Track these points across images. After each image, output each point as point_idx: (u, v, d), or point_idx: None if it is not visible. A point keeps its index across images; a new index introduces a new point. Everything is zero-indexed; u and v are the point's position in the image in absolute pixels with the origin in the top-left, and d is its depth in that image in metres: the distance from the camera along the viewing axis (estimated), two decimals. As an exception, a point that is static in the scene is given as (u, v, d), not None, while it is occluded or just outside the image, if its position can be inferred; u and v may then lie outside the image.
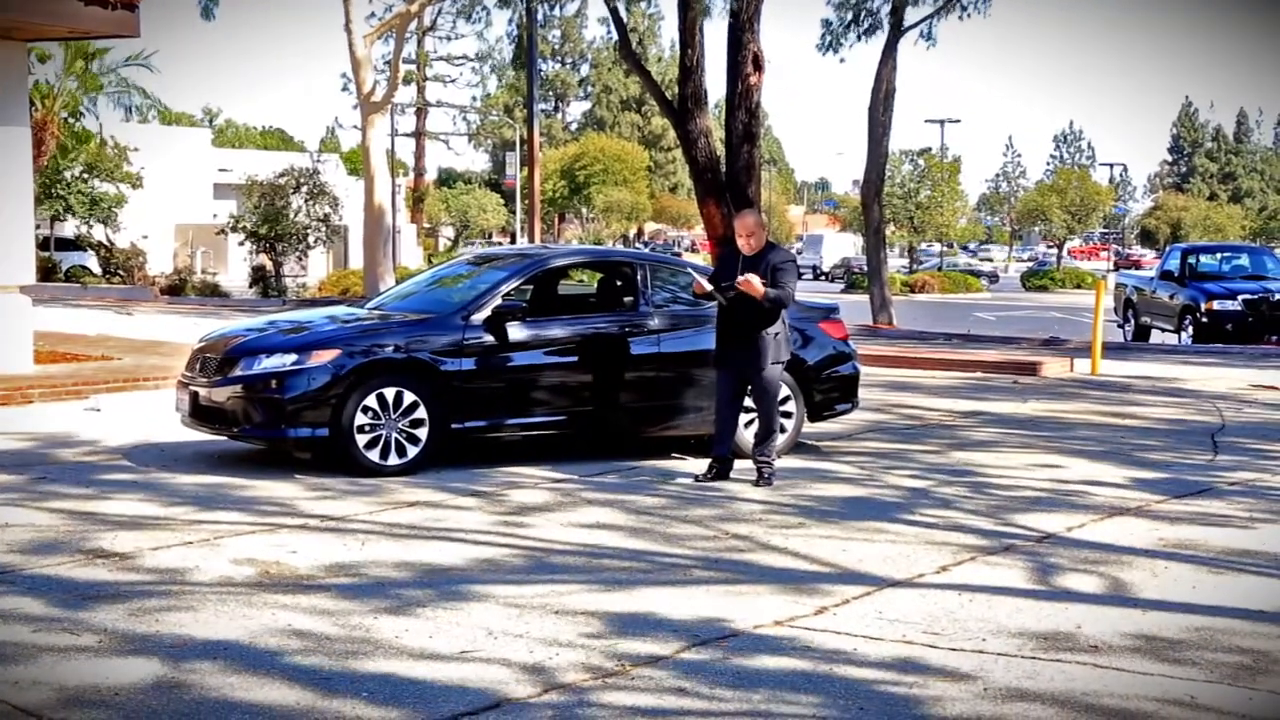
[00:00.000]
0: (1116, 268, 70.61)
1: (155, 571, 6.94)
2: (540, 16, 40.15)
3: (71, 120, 41.31)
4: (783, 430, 10.43)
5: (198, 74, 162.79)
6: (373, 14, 38.26)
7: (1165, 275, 26.81)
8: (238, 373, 9.71)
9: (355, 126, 61.14)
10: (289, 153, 63.33)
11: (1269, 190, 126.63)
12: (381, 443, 9.64)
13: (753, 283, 9.33)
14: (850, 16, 29.61)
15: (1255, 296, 24.93)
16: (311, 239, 36.93)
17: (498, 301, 10.16)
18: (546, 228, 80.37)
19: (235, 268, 48.16)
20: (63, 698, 5.03)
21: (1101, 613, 6.44)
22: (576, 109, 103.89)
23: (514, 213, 66.84)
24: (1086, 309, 29.15)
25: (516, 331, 10.13)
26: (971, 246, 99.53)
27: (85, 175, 44.23)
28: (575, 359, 10.36)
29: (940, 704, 5.15)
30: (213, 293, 38.17)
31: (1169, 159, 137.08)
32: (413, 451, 9.73)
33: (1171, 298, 26.04)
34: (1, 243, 14.30)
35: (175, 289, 38.16)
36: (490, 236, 78.40)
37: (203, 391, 9.96)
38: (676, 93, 19.34)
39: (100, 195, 44.34)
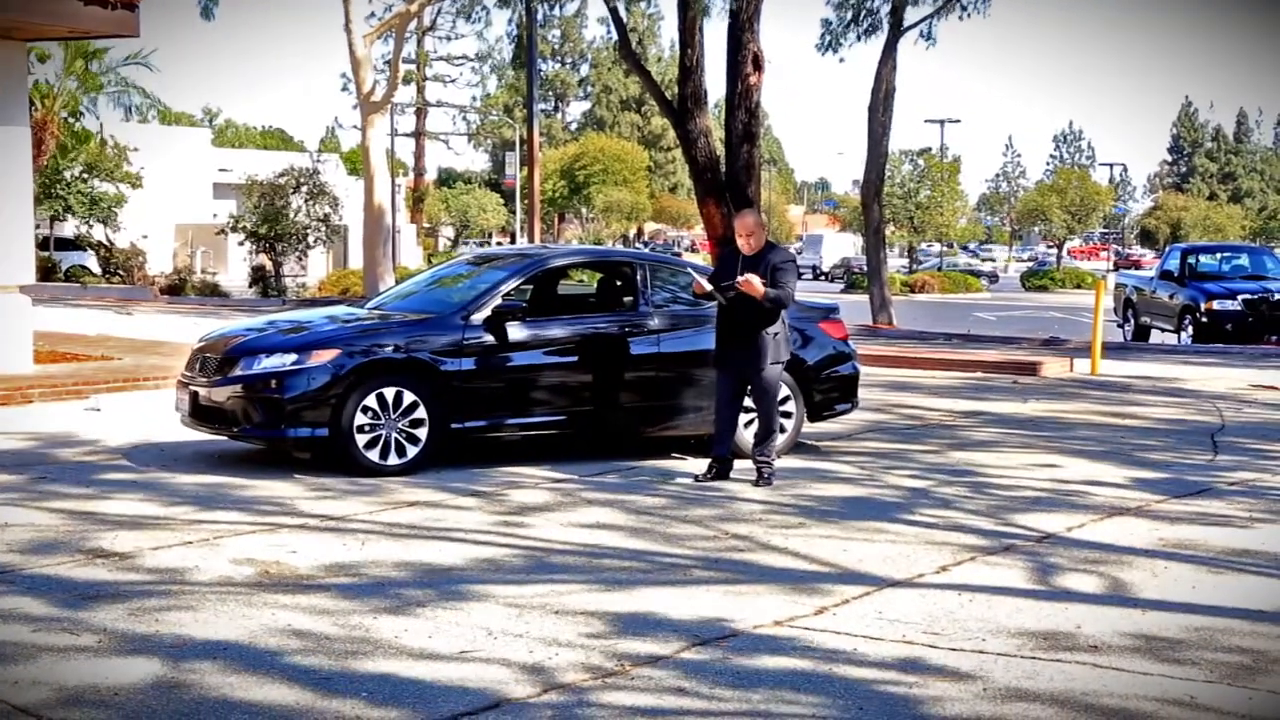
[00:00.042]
0: (1116, 268, 70.59)
1: (155, 571, 6.94)
2: (540, 16, 40.14)
3: (71, 120, 41.31)
4: (782, 430, 10.43)
5: (198, 74, 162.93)
6: (372, 14, 38.31)
7: (1165, 275, 26.81)
8: (237, 372, 9.71)
9: (355, 126, 61.21)
10: (289, 153, 63.31)
11: (1269, 190, 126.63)
12: (381, 443, 9.64)
13: (753, 283, 9.33)
14: (850, 16, 29.59)
15: (1255, 296, 24.93)
16: (311, 239, 36.92)
17: (498, 301, 10.16)
18: (546, 228, 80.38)
19: (235, 268, 48.16)
20: (62, 697, 5.03)
21: (1101, 613, 6.44)
22: (576, 109, 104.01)
23: (514, 213, 66.87)
24: (1086, 309, 29.16)
25: (516, 331, 10.13)
26: (972, 246, 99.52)
27: (85, 175, 44.24)
28: (575, 359, 10.36)
29: (940, 704, 5.15)
30: (212, 293, 38.16)
31: (1169, 159, 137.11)
32: (412, 451, 9.73)
33: (1171, 298, 26.04)
34: (1, 243, 14.30)
35: (175, 289, 38.16)
36: (490, 236, 78.42)
37: (203, 391, 9.96)
38: (676, 92, 19.35)
39: (100, 195, 44.35)
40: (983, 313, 40.81)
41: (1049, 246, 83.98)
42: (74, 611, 6.14)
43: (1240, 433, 12.69)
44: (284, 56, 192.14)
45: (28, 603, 6.28)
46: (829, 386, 11.21)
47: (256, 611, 6.20)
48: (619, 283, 11.10)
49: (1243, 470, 10.59)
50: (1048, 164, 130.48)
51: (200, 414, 10.04)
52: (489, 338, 10.02)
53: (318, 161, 38.73)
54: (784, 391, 10.40)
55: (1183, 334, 25.29)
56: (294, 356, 9.62)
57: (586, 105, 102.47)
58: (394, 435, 9.67)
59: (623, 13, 21.97)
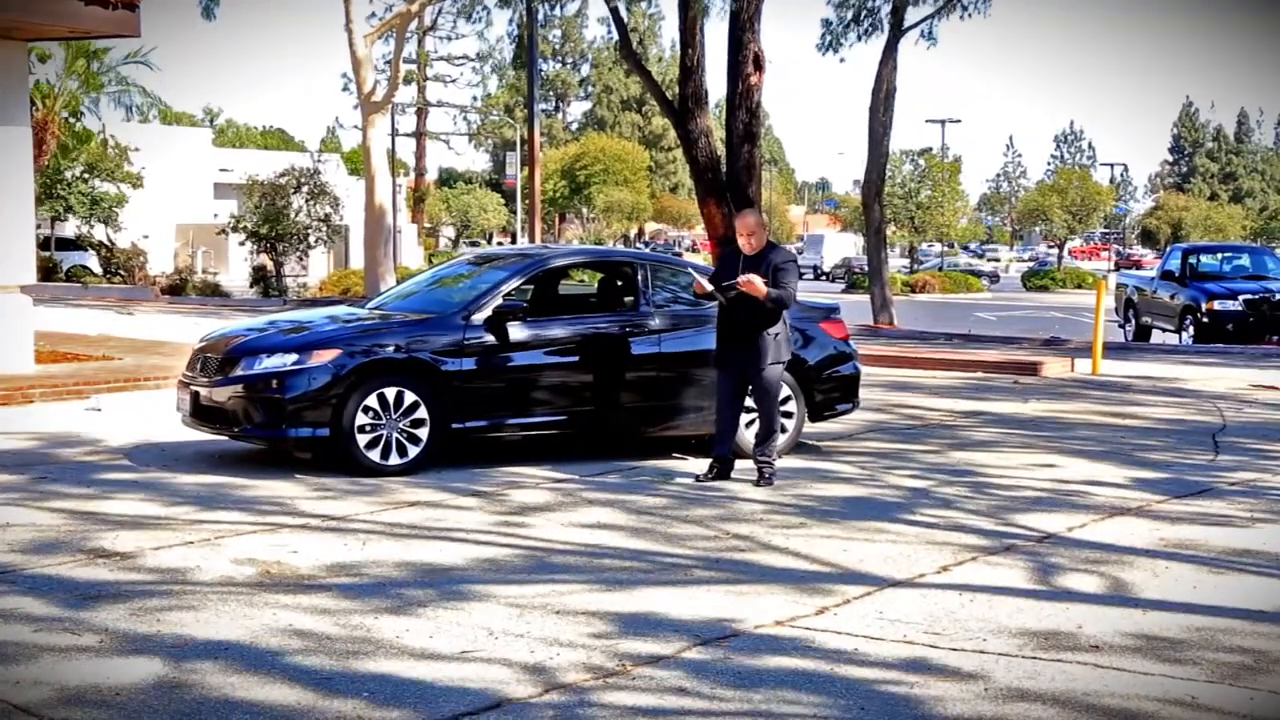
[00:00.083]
0: (1117, 268, 70.61)
1: (156, 571, 6.94)
2: (541, 16, 40.14)
3: (72, 120, 41.27)
4: (783, 430, 10.43)
5: (198, 74, 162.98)
6: (373, 14, 38.25)
7: (1166, 275, 26.81)
8: (238, 372, 9.71)
9: (356, 126, 61.19)
10: (290, 152, 63.36)
11: (1270, 190, 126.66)
12: (382, 443, 9.64)
13: (755, 283, 9.33)
14: (850, 16, 29.60)
15: (1256, 296, 24.92)
16: (312, 239, 36.93)
17: (498, 301, 10.16)
18: (547, 228, 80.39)
19: (236, 268, 48.18)
20: (63, 697, 5.03)
21: (1102, 613, 6.44)
22: (577, 109, 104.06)
23: (514, 212, 66.89)
24: (1087, 309, 29.16)
25: (517, 331, 10.13)
26: (973, 246, 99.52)
27: (86, 175, 44.26)
28: (576, 359, 10.36)
29: (941, 704, 5.15)
30: (213, 293, 38.17)
31: (1170, 159, 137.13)
32: (413, 451, 9.73)
33: (1172, 298, 26.04)
34: (2, 243, 14.30)
35: (176, 289, 38.17)
36: (491, 237, 78.44)
37: (204, 391, 9.96)
38: (677, 92, 19.35)
39: (101, 195, 44.37)
40: (983, 313, 40.81)
41: (1050, 246, 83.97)
42: (75, 611, 6.14)
43: (1241, 433, 12.69)
44: (285, 56, 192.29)
45: (29, 603, 6.28)
46: (830, 386, 11.21)
47: (258, 611, 6.20)
48: (620, 283, 11.11)
49: (1244, 470, 10.59)
50: (1048, 164, 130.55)
51: (201, 414, 10.04)
52: (490, 338, 10.02)
53: (318, 161, 38.73)
54: (785, 391, 10.40)
55: (1184, 334, 25.28)
56: (295, 356, 9.62)
57: (587, 105, 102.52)
58: (395, 435, 9.67)
59: (623, 12, 21.97)
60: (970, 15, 29.81)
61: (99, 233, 44.35)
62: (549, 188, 76.39)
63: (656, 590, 6.73)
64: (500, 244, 72.24)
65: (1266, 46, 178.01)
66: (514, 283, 10.43)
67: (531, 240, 39.38)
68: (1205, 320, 24.68)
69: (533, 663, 5.54)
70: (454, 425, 9.86)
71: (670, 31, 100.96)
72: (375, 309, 11.02)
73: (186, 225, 53.77)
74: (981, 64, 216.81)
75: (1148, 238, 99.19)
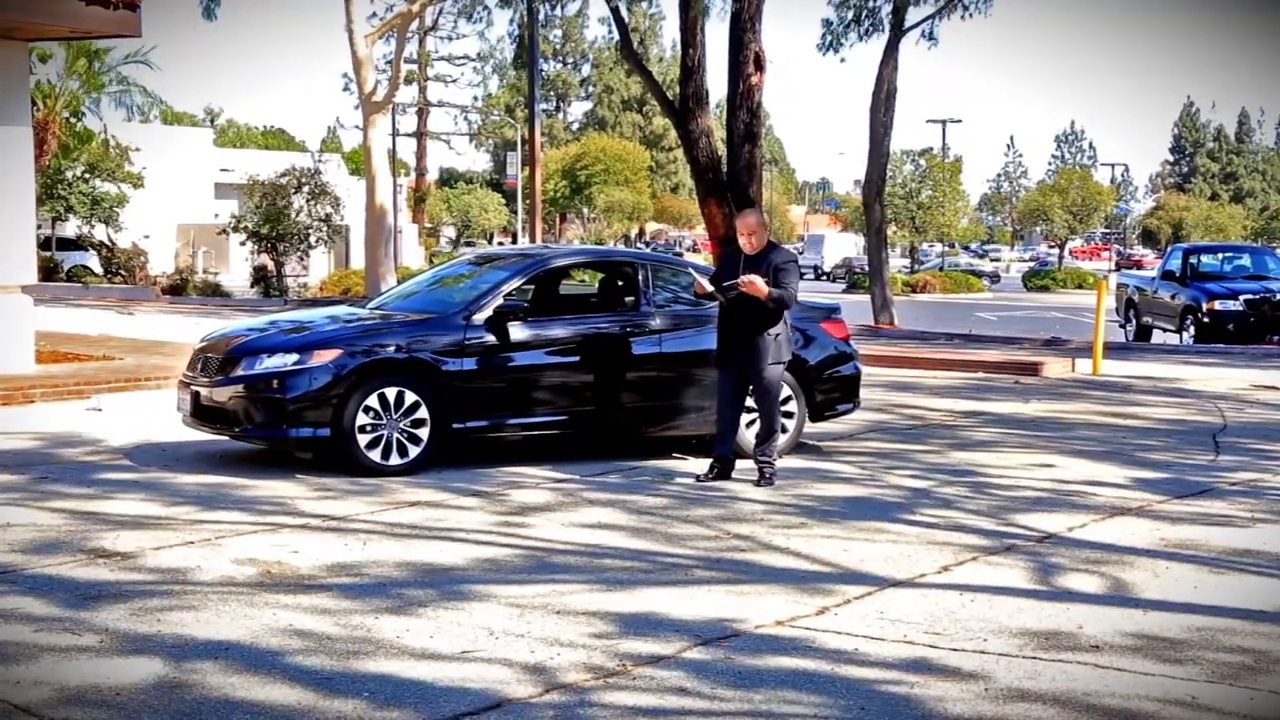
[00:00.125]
0: (1118, 268, 70.61)
1: (157, 571, 6.94)
2: (541, 16, 40.12)
3: (73, 120, 41.32)
4: (784, 430, 10.43)
5: (199, 74, 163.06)
6: (374, 14, 38.17)
7: (1167, 275, 26.80)
8: (239, 372, 9.72)
9: (356, 126, 61.26)
10: (290, 153, 63.39)
11: (1270, 190, 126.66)
12: (383, 443, 9.64)
13: (757, 284, 9.33)
14: (851, 16, 29.61)
15: (1257, 296, 24.92)
16: (313, 239, 36.92)
17: (499, 301, 10.16)
18: (548, 228, 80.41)
19: (237, 268, 48.16)
20: (64, 697, 5.03)
21: (1103, 613, 6.44)
22: (578, 109, 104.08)
23: (515, 212, 66.90)
24: (1088, 309, 29.14)
25: (518, 331, 10.13)
26: (974, 246, 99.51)
27: (87, 175, 44.27)
28: (577, 359, 10.36)
29: (942, 704, 5.15)
30: (214, 293, 38.17)
31: (1170, 159, 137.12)
32: (414, 451, 9.73)
33: (1173, 298, 26.03)
34: (3, 242, 14.30)
35: (177, 289, 38.17)
36: (492, 237, 78.45)
37: (204, 391, 9.96)
38: (678, 92, 19.35)
39: (102, 195, 44.38)
40: (984, 313, 40.80)
41: (1050, 247, 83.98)
42: (76, 611, 6.14)
43: (1242, 433, 12.69)
44: (285, 56, 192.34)
45: (29, 603, 6.28)
46: (830, 386, 11.21)
47: (258, 611, 6.20)
48: (620, 283, 11.11)
49: (1244, 470, 10.58)
50: (1049, 164, 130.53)
51: (202, 414, 10.04)
52: (490, 338, 10.02)
53: (319, 161, 38.74)
54: (785, 391, 10.40)
55: (1184, 334, 25.28)
56: (296, 356, 9.62)
57: (588, 105, 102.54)
58: (395, 435, 9.67)
59: (624, 13, 21.97)
60: (970, 15, 29.84)
61: (100, 233, 44.36)
62: (550, 188, 76.41)
63: (657, 590, 6.73)
64: (501, 244, 72.24)
65: (1266, 46, 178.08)
66: (515, 283, 10.43)
67: (532, 240, 39.38)
68: (1206, 320, 24.68)
69: (533, 663, 5.54)
70: (455, 425, 9.86)
71: (671, 31, 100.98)
72: (376, 309, 11.02)
73: (187, 225, 53.78)
74: (982, 64, 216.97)
75: (1148, 238, 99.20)
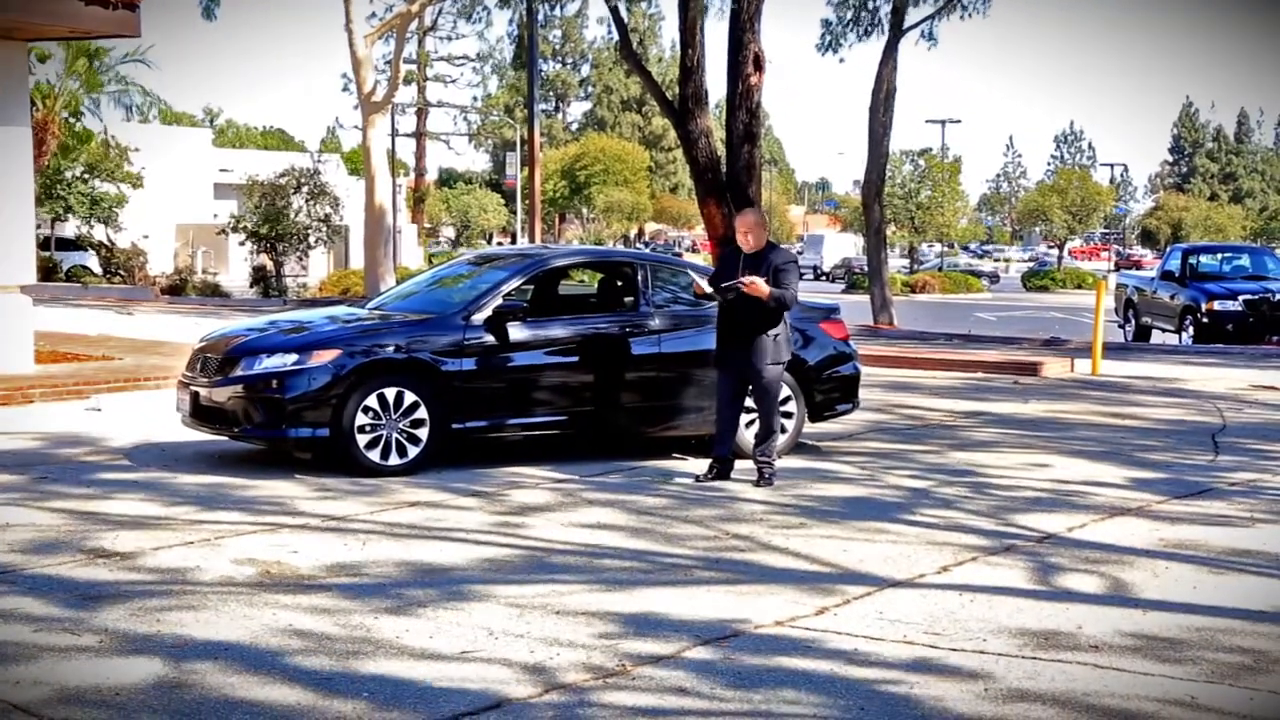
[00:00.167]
0: (1117, 268, 70.61)
1: (156, 571, 6.94)
2: (541, 16, 40.13)
3: (72, 120, 41.29)
4: (783, 430, 10.43)
5: (198, 74, 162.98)
6: (373, 14, 38.23)
7: (1166, 275, 26.81)
8: (238, 373, 9.71)
9: (356, 126, 61.20)
10: (290, 153, 63.35)
11: (1270, 190, 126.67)
12: (382, 443, 9.64)
13: (758, 284, 9.33)
14: (850, 16, 29.63)
15: (1256, 297, 24.93)
16: (312, 239, 36.93)
17: (498, 301, 10.16)
18: (547, 228, 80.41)
19: (236, 268, 48.17)
20: (63, 697, 5.03)
21: (1102, 613, 6.44)
22: (577, 109, 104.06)
23: (514, 213, 66.87)
24: (1087, 309, 29.16)
25: (517, 331, 10.13)
26: (973, 247, 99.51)
27: (86, 175, 44.24)
28: (576, 359, 10.36)
29: (941, 704, 5.15)
30: (213, 293, 38.16)
31: (1170, 159, 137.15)
32: (413, 451, 9.73)
33: (1172, 298, 26.04)
34: (2, 242, 14.30)
35: (176, 289, 38.16)
36: (491, 237, 78.45)
37: (203, 391, 9.96)
38: (677, 93, 19.35)
39: (101, 195, 44.35)
40: (983, 313, 40.81)
41: (1050, 247, 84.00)
42: (75, 611, 6.14)
43: (1241, 433, 12.69)
44: (285, 56, 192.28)
45: (29, 603, 6.28)
46: (830, 387, 11.21)
47: (258, 611, 6.20)
48: (620, 283, 11.11)
49: (1244, 470, 10.59)
50: (1048, 164, 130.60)
51: (201, 414, 10.04)
52: (490, 338, 10.02)
53: (319, 162, 38.73)
54: (785, 392, 10.40)
55: (1184, 334, 25.29)
56: (295, 357, 9.62)
57: (587, 105, 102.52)
58: (395, 435, 9.67)
59: (623, 13, 21.97)
60: (970, 15, 29.88)
61: (99, 233, 44.34)
62: (549, 188, 76.41)
63: (657, 590, 6.73)
64: (500, 244, 72.22)
65: (1266, 46, 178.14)
66: (514, 283, 10.43)
67: (531, 240, 39.38)
68: (1205, 320, 24.69)
69: (533, 663, 5.54)
70: (454, 425, 9.86)
71: (670, 32, 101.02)
72: (375, 309, 11.02)
73: (186, 225, 53.77)
74: (981, 64, 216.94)
75: (1148, 238, 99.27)
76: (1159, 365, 19.86)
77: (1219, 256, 28.72)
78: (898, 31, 28.97)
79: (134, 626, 5.93)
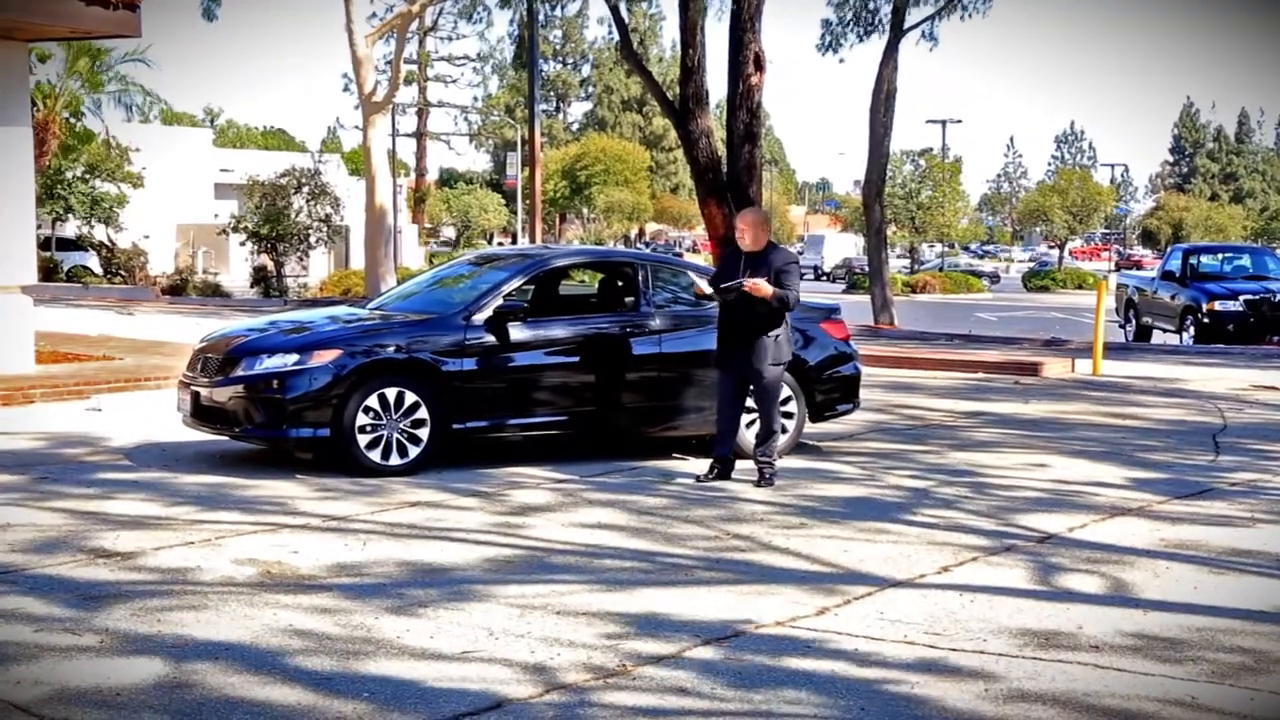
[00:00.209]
0: (1118, 268, 70.61)
1: (157, 571, 6.94)
2: (541, 17, 40.16)
3: (73, 120, 41.32)
4: (784, 431, 10.43)
5: (199, 74, 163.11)
6: (374, 14, 38.20)
7: (1166, 276, 26.82)
8: (239, 373, 9.72)
9: (356, 127, 61.22)
10: (290, 153, 63.40)
11: (1270, 191, 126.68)
12: (383, 443, 9.64)
13: (761, 285, 9.33)
14: (850, 17, 29.64)
15: (1256, 297, 24.93)
16: (313, 239, 36.94)
17: (499, 302, 10.16)
18: (548, 228, 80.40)
19: (236, 268, 48.16)
20: (64, 697, 5.03)
21: (1103, 613, 6.44)
22: (578, 109, 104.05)
23: (515, 213, 66.88)
24: (1088, 309, 29.14)
25: (518, 332, 10.13)
26: (974, 247, 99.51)
27: (87, 175, 44.26)
28: (577, 359, 10.36)
29: (942, 704, 5.15)
30: (214, 293, 38.17)
31: (1170, 159, 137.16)
32: (414, 452, 9.73)
33: (1173, 298, 26.04)
34: (3, 243, 14.30)
35: (176, 289, 38.17)
36: (491, 237, 78.45)
37: (204, 391, 9.96)
38: (678, 93, 19.35)
39: (101, 195, 44.37)
40: (984, 313, 40.82)
41: (1050, 247, 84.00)
42: (76, 611, 6.14)
43: (1242, 433, 12.69)
44: (285, 57, 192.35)
45: (30, 603, 6.28)
46: (830, 387, 11.21)
47: (258, 612, 6.20)
48: (620, 283, 11.11)
49: (1244, 471, 10.59)
50: (1049, 164, 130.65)
51: (202, 414, 10.04)
52: (490, 338, 10.02)
53: (319, 162, 38.76)
54: (785, 392, 10.40)
55: (1184, 334, 25.29)
56: (296, 357, 9.62)
57: (588, 105, 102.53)
58: (395, 435, 9.67)
59: (624, 13, 21.98)
60: (970, 15, 29.91)
61: (99, 233, 44.35)
62: (550, 188, 76.40)
63: (657, 590, 6.73)
64: (501, 244, 72.23)
65: (1266, 46, 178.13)
66: (515, 283, 10.43)
67: (532, 240, 39.39)
68: (1206, 320, 24.69)
69: (533, 663, 5.54)
70: (455, 425, 9.86)
71: (671, 32, 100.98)
72: (376, 309, 11.02)
73: (187, 225, 53.79)
74: (981, 64, 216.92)
75: (1148, 238, 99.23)
76: (1160, 365, 19.85)
77: (1220, 257, 28.73)
78: (898, 32, 28.97)
79: (135, 626, 5.93)
